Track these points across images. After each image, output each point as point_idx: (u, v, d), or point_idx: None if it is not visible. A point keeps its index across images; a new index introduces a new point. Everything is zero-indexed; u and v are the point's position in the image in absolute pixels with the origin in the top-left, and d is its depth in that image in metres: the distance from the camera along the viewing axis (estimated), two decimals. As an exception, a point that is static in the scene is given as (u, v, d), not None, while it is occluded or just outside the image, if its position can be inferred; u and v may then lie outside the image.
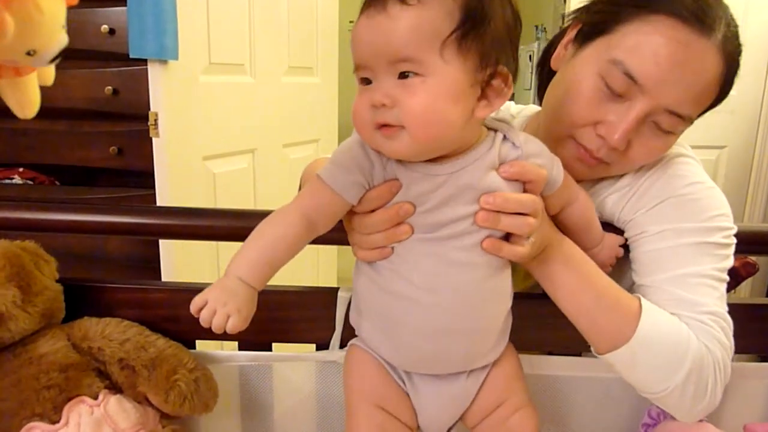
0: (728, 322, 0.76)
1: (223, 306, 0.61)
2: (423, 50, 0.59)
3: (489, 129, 0.68)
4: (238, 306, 0.62)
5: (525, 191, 0.68)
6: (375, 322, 0.73)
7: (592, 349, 0.78)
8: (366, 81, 0.62)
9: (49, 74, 0.68)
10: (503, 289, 0.72)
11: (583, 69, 0.78)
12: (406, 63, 0.59)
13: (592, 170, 0.81)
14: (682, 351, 0.72)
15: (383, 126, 0.61)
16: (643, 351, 0.73)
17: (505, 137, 0.68)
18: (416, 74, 0.59)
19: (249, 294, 0.63)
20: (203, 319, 0.61)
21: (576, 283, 0.75)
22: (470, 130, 0.65)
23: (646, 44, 0.72)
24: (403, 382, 0.74)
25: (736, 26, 0.75)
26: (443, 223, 0.65)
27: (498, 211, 0.65)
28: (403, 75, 0.59)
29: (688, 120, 0.76)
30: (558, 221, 0.76)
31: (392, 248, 0.67)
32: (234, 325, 0.61)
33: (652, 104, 0.73)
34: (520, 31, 0.65)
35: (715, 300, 0.76)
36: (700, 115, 0.78)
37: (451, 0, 0.59)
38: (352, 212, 0.69)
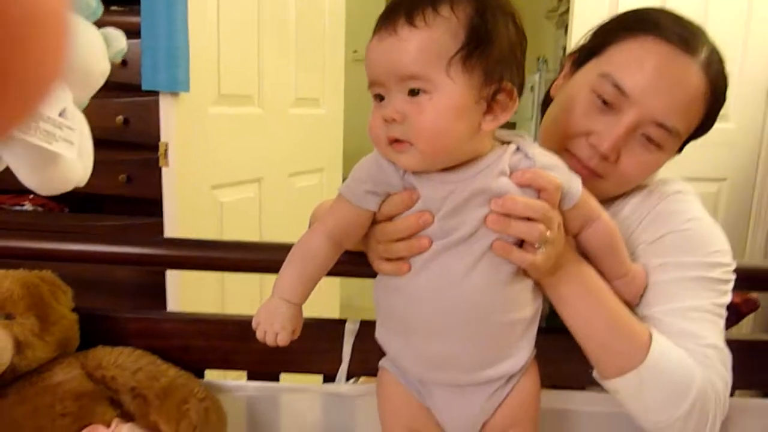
0: (728, 356, 0.77)
1: (270, 326, 0.69)
2: (430, 68, 0.62)
3: (504, 143, 0.70)
4: (282, 324, 0.69)
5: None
6: (388, 324, 0.76)
7: (594, 373, 0.77)
8: (380, 97, 0.66)
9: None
10: (518, 298, 0.72)
11: (575, 87, 0.82)
12: (415, 80, 0.63)
13: (586, 183, 0.79)
14: (688, 382, 0.73)
15: (395, 141, 0.65)
16: (651, 378, 0.73)
17: (518, 148, 0.69)
18: (424, 91, 0.63)
19: (292, 310, 0.70)
20: (259, 338, 0.69)
21: (589, 307, 0.75)
22: (479, 142, 0.67)
23: (634, 58, 0.78)
24: (424, 399, 0.76)
25: (720, 58, 0.80)
26: (455, 227, 0.67)
27: (509, 215, 0.66)
28: (412, 92, 0.63)
29: (675, 134, 0.78)
30: (579, 243, 0.76)
31: (410, 264, 0.70)
32: (282, 339, 0.69)
33: (640, 114, 0.77)
34: (525, 45, 0.68)
35: (716, 334, 0.77)
36: (687, 141, 0.81)
37: (456, 21, 0.62)
38: (372, 224, 0.72)
